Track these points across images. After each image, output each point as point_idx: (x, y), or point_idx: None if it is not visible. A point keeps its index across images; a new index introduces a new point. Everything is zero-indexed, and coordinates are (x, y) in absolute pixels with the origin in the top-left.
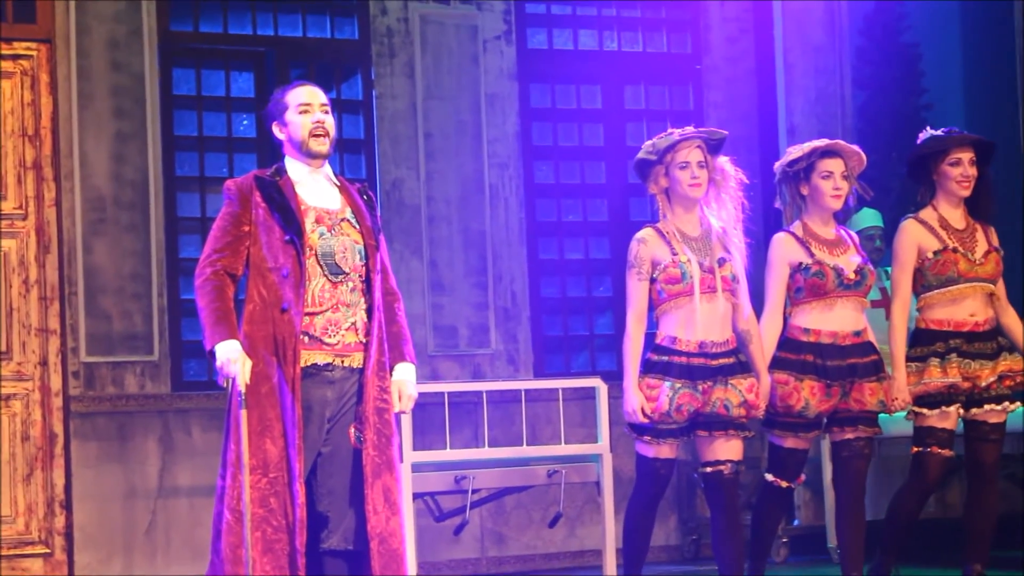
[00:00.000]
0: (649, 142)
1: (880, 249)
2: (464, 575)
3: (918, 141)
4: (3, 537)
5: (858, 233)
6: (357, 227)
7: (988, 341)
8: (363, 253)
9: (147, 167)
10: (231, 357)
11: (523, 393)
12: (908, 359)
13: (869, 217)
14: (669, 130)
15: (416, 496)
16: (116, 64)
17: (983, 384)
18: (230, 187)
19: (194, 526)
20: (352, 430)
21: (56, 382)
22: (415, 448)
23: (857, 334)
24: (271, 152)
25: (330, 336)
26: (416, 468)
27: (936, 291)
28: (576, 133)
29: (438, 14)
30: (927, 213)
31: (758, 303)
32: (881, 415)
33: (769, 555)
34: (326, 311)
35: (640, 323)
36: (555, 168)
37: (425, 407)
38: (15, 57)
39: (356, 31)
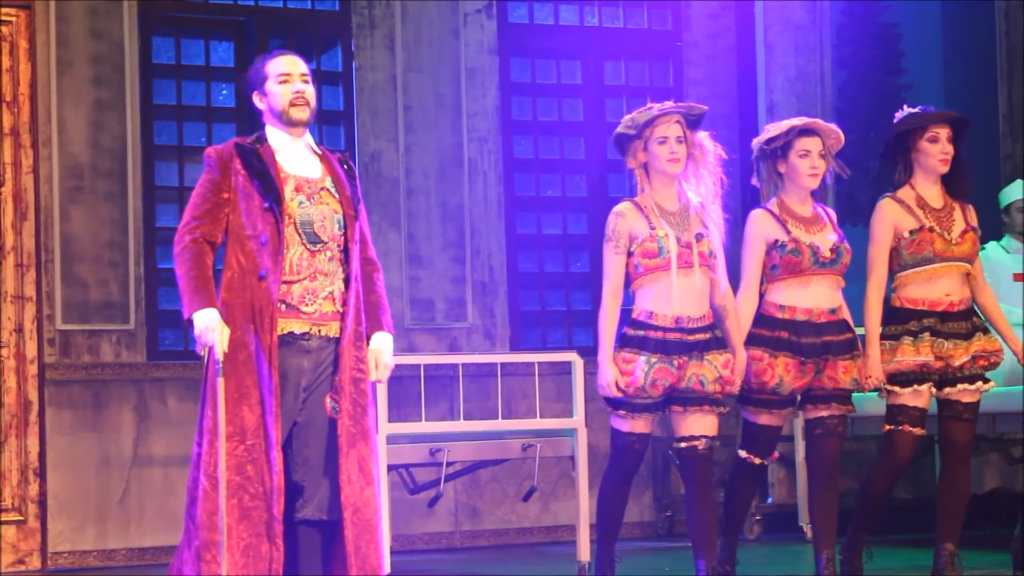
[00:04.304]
0: (628, 116)
1: None
2: (438, 548)
3: (895, 120)
4: None
5: (1008, 206)
6: (336, 196)
7: (962, 321)
8: (342, 223)
9: (125, 135)
10: (209, 325)
11: (499, 367)
12: (881, 337)
13: (1019, 190)
14: (648, 104)
15: (391, 468)
16: (95, 31)
17: (956, 364)
18: (210, 154)
19: (168, 495)
20: (328, 400)
21: (31, 349)
22: (390, 420)
23: (832, 312)
24: (250, 122)
25: (307, 305)
26: (391, 440)
27: (911, 270)
28: (556, 108)
29: None
30: (904, 192)
31: (735, 279)
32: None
33: (742, 532)
34: (304, 280)
35: (616, 297)
36: (534, 143)
37: (401, 379)
38: None
39: (337, 2)
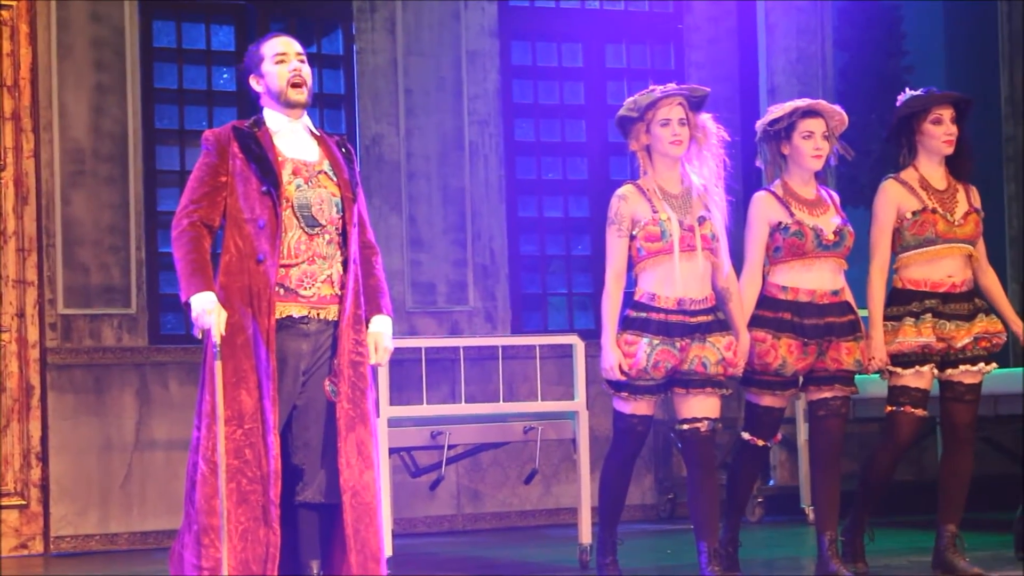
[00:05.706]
0: (631, 99)
1: None
2: (440, 531)
3: (898, 103)
4: None
5: None
6: (334, 179)
7: (964, 302)
8: (340, 206)
9: (126, 119)
10: (206, 308)
11: (500, 350)
12: (884, 318)
13: None
14: (651, 87)
15: (392, 451)
16: (96, 15)
17: (958, 345)
18: (208, 137)
19: (170, 479)
20: (327, 383)
21: (33, 334)
22: (392, 403)
23: (835, 293)
24: (251, 106)
25: (305, 288)
26: (392, 423)
27: (914, 251)
28: (557, 91)
29: None
30: (908, 174)
31: (738, 261)
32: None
33: (744, 514)
34: (302, 263)
35: (619, 280)
36: (535, 126)
37: (402, 363)
38: None
39: None
